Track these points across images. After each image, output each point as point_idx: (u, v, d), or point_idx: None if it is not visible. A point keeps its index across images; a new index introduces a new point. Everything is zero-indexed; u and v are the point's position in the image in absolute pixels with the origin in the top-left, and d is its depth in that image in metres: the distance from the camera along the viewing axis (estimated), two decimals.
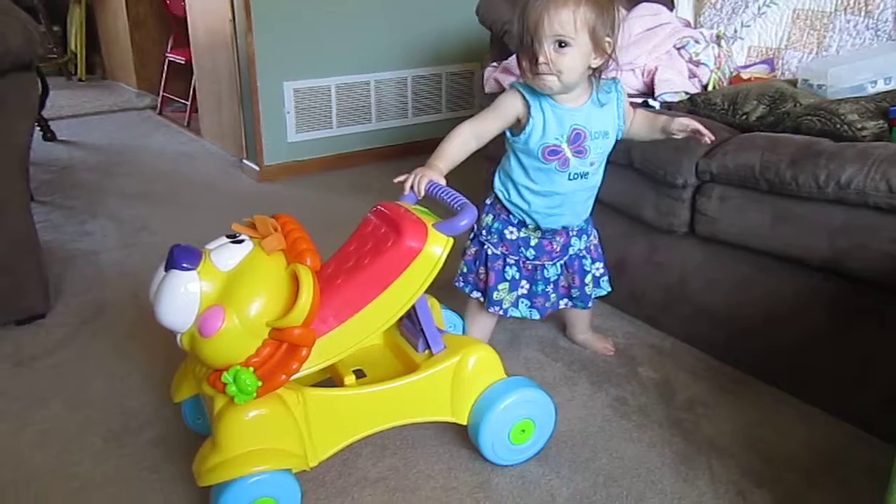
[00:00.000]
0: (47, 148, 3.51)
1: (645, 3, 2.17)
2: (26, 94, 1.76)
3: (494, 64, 2.05)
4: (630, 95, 1.95)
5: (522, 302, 1.54)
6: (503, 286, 1.51)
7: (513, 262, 1.51)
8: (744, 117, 1.68)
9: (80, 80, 5.37)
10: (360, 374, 1.34)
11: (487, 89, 2.04)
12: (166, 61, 4.21)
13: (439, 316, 1.49)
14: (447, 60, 3.28)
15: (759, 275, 1.58)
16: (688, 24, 2.22)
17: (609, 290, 1.63)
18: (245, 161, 3.11)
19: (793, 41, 2.02)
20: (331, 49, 3.00)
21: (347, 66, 3.06)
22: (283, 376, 1.14)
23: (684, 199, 1.62)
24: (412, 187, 1.32)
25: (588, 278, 1.57)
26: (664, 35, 2.08)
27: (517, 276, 1.52)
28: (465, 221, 1.21)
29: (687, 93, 1.89)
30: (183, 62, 3.96)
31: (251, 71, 2.87)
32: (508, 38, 2.11)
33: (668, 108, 1.86)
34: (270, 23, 2.83)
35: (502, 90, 2.00)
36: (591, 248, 1.58)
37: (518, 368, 1.64)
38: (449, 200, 1.25)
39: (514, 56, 1.96)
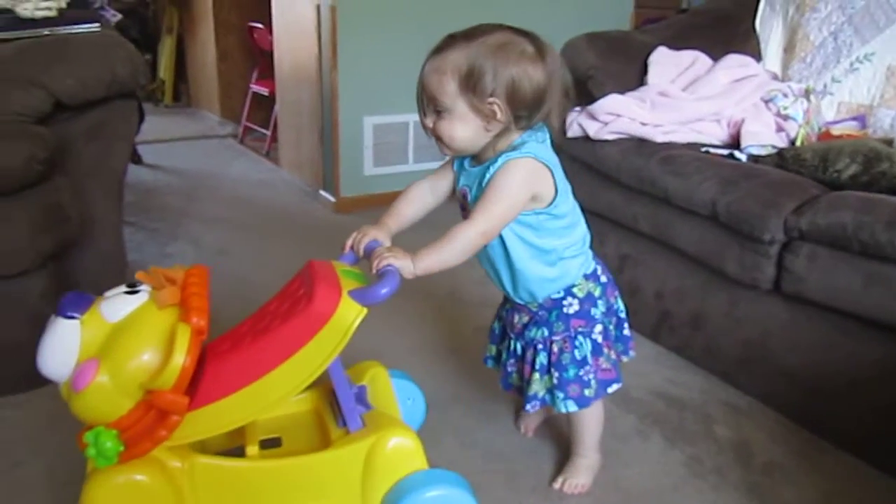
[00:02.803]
0: (133, 171, 3.64)
1: (732, 55, 2.16)
2: (127, 121, 1.85)
3: (578, 108, 2.06)
4: (714, 146, 1.94)
5: (491, 361, 1.48)
6: (490, 336, 1.48)
7: (498, 317, 1.45)
8: (835, 175, 1.64)
9: (167, 106, 5.60)
10: (275, 443, 1.25)
11: (570, 133, 2.04)
12: (250, 92, 4.35)
13: (387, 388, 1.36)
14: None
15: (844, 337, 1.52)
16: (775, 77, 2.20)
17: (567, 410, 1.29)
18: (322, 192, 3.18)
19: (886, 99, 1.97)
20: (411, 86, 3.04)
21: None
22: (150, 444, 1.06)
23: (771, 255, 1.58)
24: (352, 246, 1.25)
25: (535, 376, 1.31)
26: (752, 87, 2.07)
27: (496, 332, 1.46)
28: (385, 290, 1.07)
29: (774, 146, 1.86)
30: (266, 94, 4.09)
31: (333, 105, 2.95)
32: (592, 84, 2.12)
33: (754, 160, 1.83)
34: (355, 59, 2.90)
35: (585, 135, 2.01)
36: (554, 348, 1.29)
37: None
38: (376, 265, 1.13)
39: (599, 101, 1.97)
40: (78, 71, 1.65)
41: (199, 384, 1.10)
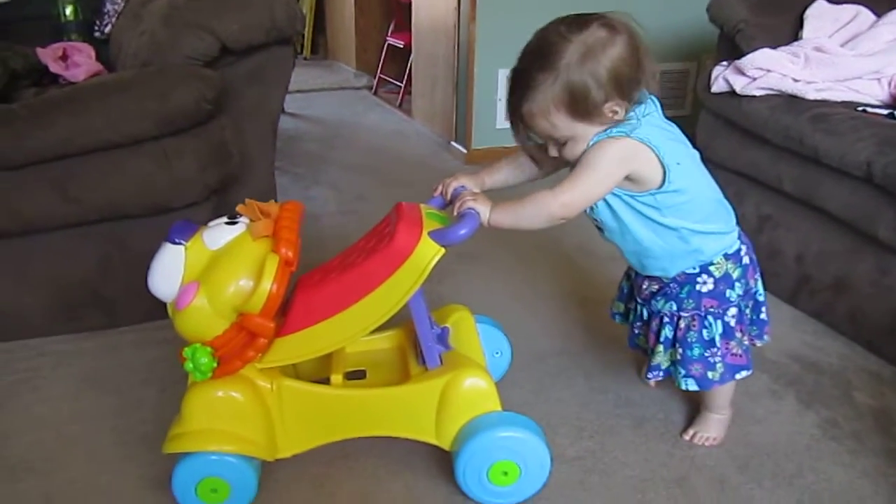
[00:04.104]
0: None
1: None
2: (283, 66, 1.96)
3: (724, 63, 2.00)
4: (871, 106, 1.84)
5: (619, 317, 1.49)
6: (619, 293, 1.47)
7: (627, 276, 1.45)
8: None
9: (305, 58, 5.81)
10: (360, 375, 1.32)
11: (715, 89, 1.99)
12: (385, 45, 4.44)
13: (471, 332, 1.39)
14: (661, 58, 3.21)
15: None
16: None
17: (688, 388, 1.28)
18: (453, 143, 3.24)
19: None
20: None
21: None
22: (240, 363, 1.14)
23: None
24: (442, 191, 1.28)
25: (659, 348, 1.30)
26: None
27: (624, 290, 1.46)
28: (463, 231, 1.11)
29: None
30: (401, 46, 4.18)
31: (469, 57, 2.98)
32: (741, 38, 2.05)
33: None
34: (493, 11, 2.92)
35: (731, 90, 1.95)
36: (681, 324, 1.27)
37: None
38: (458, 206, 1.17)
39: (749, 56, 1.91)
40: (242, 17, 1.76)
41: (289, 312, 1.18)
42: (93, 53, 2.09)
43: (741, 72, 1.92)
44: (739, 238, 1.28)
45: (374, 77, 4.65)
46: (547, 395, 1.52)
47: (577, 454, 1.37)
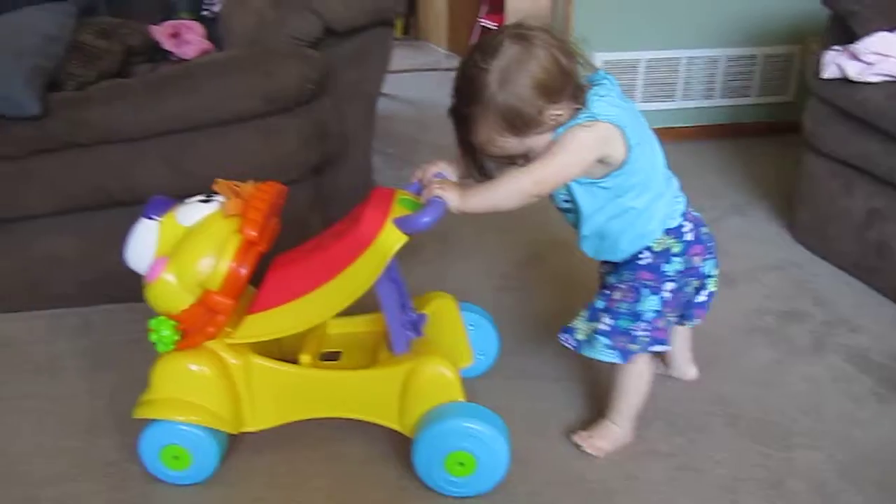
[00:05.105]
0: None
1: None
2: (383, 48, 1.99)
3: (837, 48, 1.90)
4: None
5: None
6: None
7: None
8: None
9: (396, 38, 5.83)
10: (334, 357, 1.35)
11: (827, 74, 1.90)
12: (477, 26, 4.44)
13: (453, 319, 1.41)
14: (765, 41, 3.08)
15: None
16: None
17: (601, 358, 1.25)
18: None
19: None
20: (644, 22, 2.97)
21: (659, 40, 3.01)
22: (200, 338, 1.18)
23: None
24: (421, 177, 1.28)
25: (584, 313, 1.29)
26: None
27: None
28: (425, 219, 1.10)
29: None
30: (494, 27, 4.16)
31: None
32: (855, 21, 1.95)
33: None
34: None
35: (844, 77, 1.86)
36: (615, 295, 1.25)
37: (821, 372, 1.56)
38: (425, 194, 1.17)
39: (865, 40, 1.81)
40: None
41: (260, 290, 1.22)
42: (203, 32, 2.16)
43: (856, 57, 1.83)
44: (683, 214, 1.25)
45: None
46: None
47: (670, 450, 1.35)
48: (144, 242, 1.18)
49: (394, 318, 1.25)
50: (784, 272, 1.99)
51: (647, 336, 1.24)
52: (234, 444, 1.34)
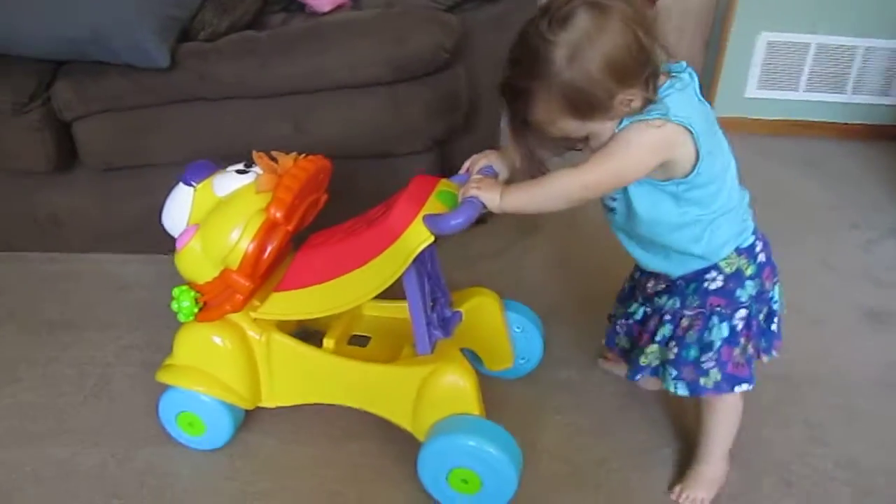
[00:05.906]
0: None
1: None
2: (525, 12, 1.82)
3: None
4: None
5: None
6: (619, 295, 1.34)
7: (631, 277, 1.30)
8: None
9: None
10: (364, 341, 1.30)
11: None
12: None
13: (494, 318, 1.32)
14: (872, 33, 2.69)
15: None
16: None
17: (676, 392, 1.14)
18: None
19: None
20: (819, 2, 2.65)
21: (836, 24, 2.68)
22: (217, 313, 1.17)
23: None
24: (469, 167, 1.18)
25: (653, 347, 1.17)
26: None
27: (626, 291, 1.31)
28: (456, 220, 1.01)
29: None
30: None
31: (728, 14, 2.68)
32: None
33: None
34: None
35: None
36: (683, 322, 1.14)
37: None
38: (462, 193, 1.07)
39: None
40: None
41: (289, 269, 1.19)
42: None
43: None
44: (755, 233, 1.12)
45: None
46: (757, 433, 1.31)
47: None
48: (180, 208, 1.17)
49: (419, 317, 1.17)
50: None
51: (717, 369, 1.12)
52: (246, 425, 1.33)
